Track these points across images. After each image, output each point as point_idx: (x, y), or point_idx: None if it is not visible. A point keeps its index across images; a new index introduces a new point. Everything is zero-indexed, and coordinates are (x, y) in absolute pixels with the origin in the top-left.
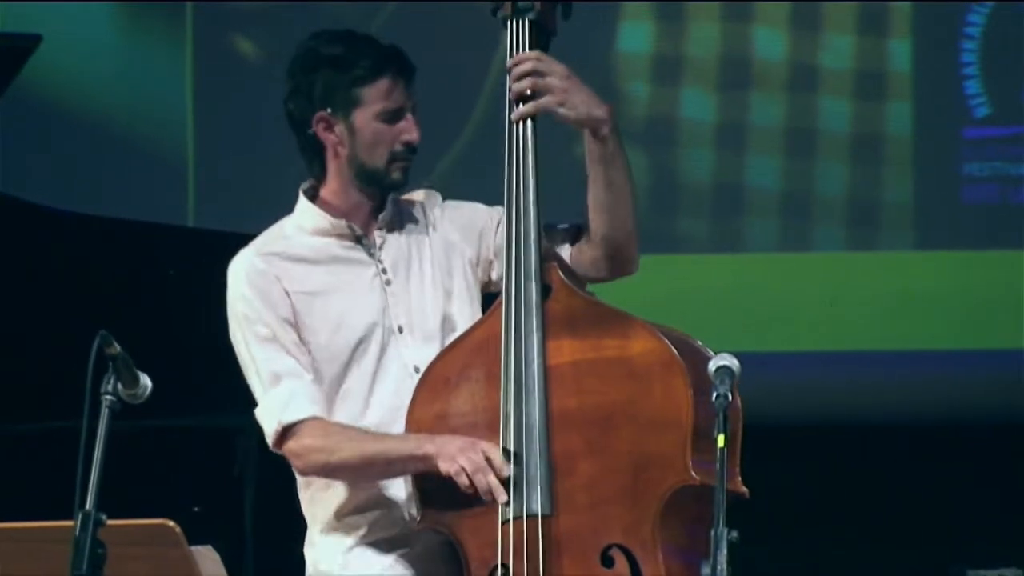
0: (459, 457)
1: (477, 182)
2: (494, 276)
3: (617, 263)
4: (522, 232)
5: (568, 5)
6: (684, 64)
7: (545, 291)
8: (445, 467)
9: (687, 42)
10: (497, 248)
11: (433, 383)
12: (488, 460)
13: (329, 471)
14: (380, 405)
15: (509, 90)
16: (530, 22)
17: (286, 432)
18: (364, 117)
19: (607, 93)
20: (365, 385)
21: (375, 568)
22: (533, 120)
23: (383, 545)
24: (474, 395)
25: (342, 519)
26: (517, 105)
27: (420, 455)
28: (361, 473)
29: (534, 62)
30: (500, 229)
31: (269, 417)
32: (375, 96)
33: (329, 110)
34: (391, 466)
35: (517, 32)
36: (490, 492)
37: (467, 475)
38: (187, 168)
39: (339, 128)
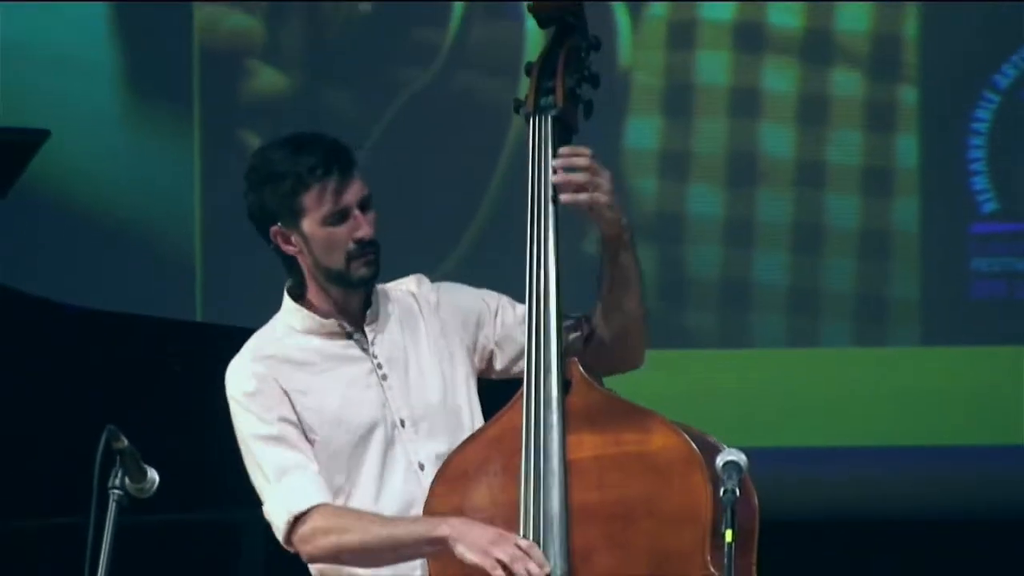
0: (494, 550)
1: (488, 271)
2: (497, 366)
3: (625, 358)
4: (542, 325)
5: (590, 104)
6: (691, 160)
7: (565, 386)
8: (470, 556)
9: (694, 138)
10: (499, 338)
11: (451, 476)
12: (525, 551)
13: (339, 553)
14: (391, 502)
15: (538, 181)
16: (553, 119)
17: (296, 522)
18: (311, 225)
19: (615, 189)
20: (372, 483)
21: None
22: (556, 215)
23: None
24: (492, 489)
25: None
26: (558, 193)
27: (435, 537)
28: (372, 556)
29: (591, 159)
30: (500, 316)
31: (278, 510)
32: (313, 202)
33: (279, 223)
34: (404, 548)
35: (540, 129)
36: None
37: (502, 567)
38: (195, 262)
39: (295, 238)
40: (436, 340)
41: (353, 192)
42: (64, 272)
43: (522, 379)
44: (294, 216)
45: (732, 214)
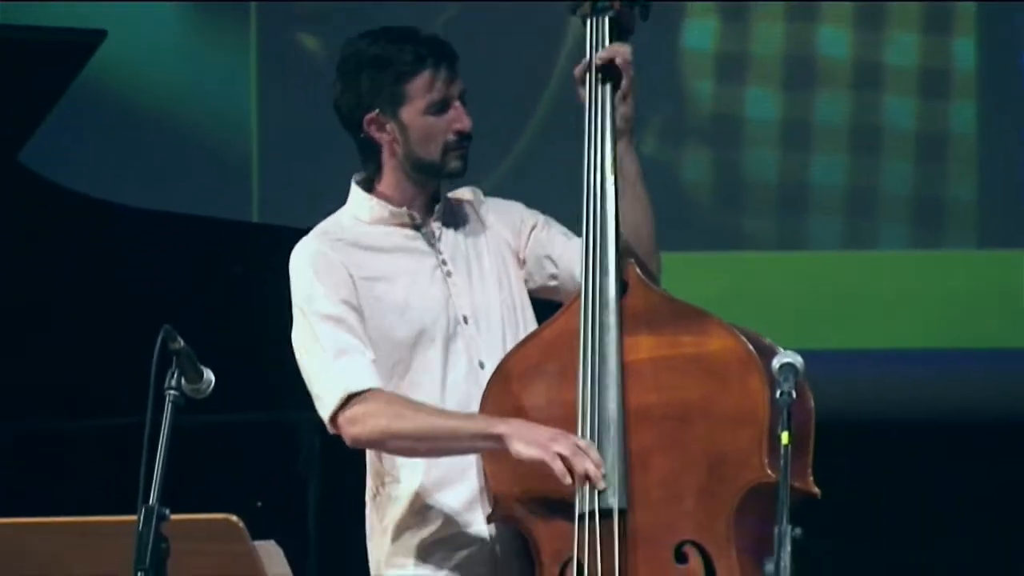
0: (553, 446)
1: (541, 178)
2: (531, 283)
3: (640, 254)
4: (599, 227)
5: (646, 6)
6: (749, 63)
7: (622, 287)
8: (528, 452)
9: (752, 41)
10: (538, 254)
11: (507, 378)
12: (584, 450)
13: (387, 438)
14: (453, 398)
15: (595, 82)
16: (610, 20)
17: (349, 401)
18: (412, 113)
19: (672, 91)
20: (434, 378)
21: (444, 570)
22: (614, 115)
23: (449, 544)
24: (549, 390)
25: (408, 527)
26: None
27: (492, 434)
28: (422, 445)
29: (628, 58)
30: (542, 233)
31: (332, 387)
32: (419, 91)
33: (377, 110)
34: (456, 441)
35: (596, 30)
36: (587, 477)
37: (563, 459)
38: (251, 164)
39: (390, 127)
40: (494, 249)
41: (457, 84)
42: (121, 173)
43: (566, 294)
44: (395, 103)
45: (789, 116)
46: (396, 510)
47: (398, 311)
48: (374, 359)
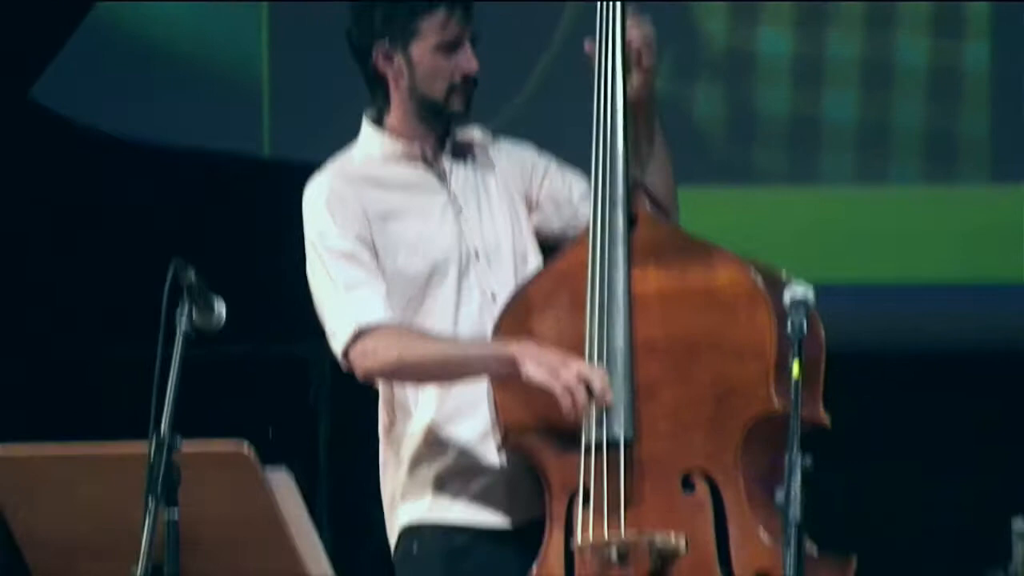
0: (562, 371)
1: (553, 114)
2: (534, 220)
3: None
4: (609, 160)
5: None
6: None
7: (631, 221)
8: (539, 376)
9: None
10: (544, 196)
11: (518, 309)
12: (587, 379)
13: (400, 368)
14: (466, 331)
15: (606, 14)
16: None
17: (360, 335)
18: (421, 50)
19: (685, 27)
20: (448, 313)
21: (460, 501)
22: (625, 61)
23: (464, 475)
24: (559, 321)
25: (423, 460)
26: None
27: (503, 356)
28: (433, 373)
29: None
30: (549, 177)
31: (344, 319)
32: (432, 28)
33: (387, 42)
34: (468, 366)
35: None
36: (586, 412)
37: (570, 392)
38: (262, 98)
39: (398, 60)
40: (502, 185)
41: (469, 27)
42: (132, 107)
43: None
44: (406, 37)
45: (801, 51)
46: (410, 443)
47: (411, 247)
48: (387, 294)
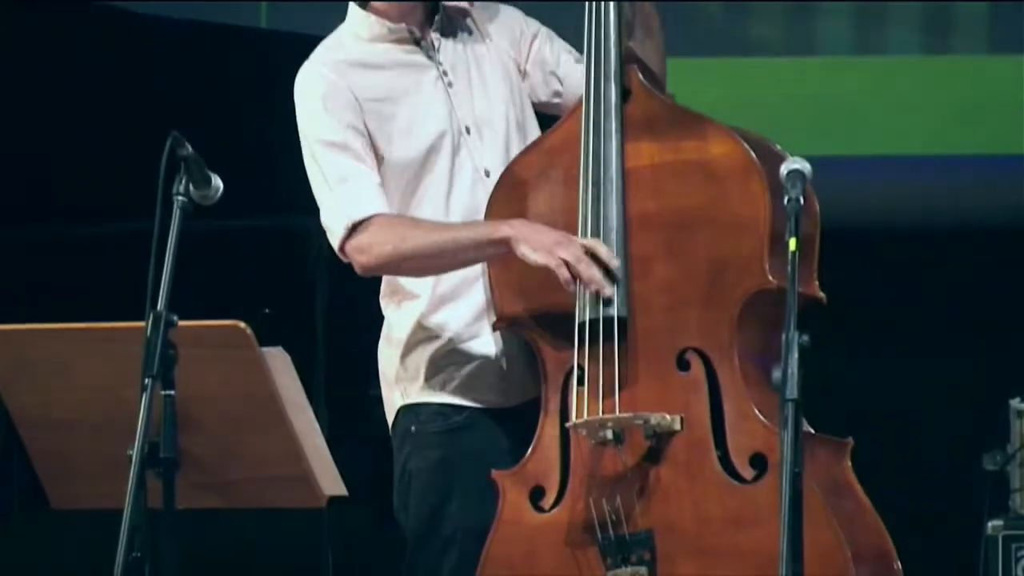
0: (558, 250)
1: None
2: (534, 93)
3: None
4: (602, 32)
5: None
6: None
7: (624, 94)
8: (534, 257)
9: None
10: (535, 61)
11: (511, 185)
12: (592, 253)
13: (398, 261)
14: (458, 209)
15: None
16: None
17: (354, 229)
18: None
19: None
20: (443, 189)
21: (454, 382)
22: None
23: (457, 358)
24: (553, 197)
25: (417, 343)
26: None
27: (497, 238)
28: (433, 262)
29: None
30: (536, 45)
31: (337, 215)
32: None
33: None
34: (465, 251)
35: None
36: (594, 283)
37: (568, 268)
38: None
39: None
40: (494, 55)
41: None
42: None
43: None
44: None
45: None
46: (403, 326)
47: (405, 132)
48: (380, 183)
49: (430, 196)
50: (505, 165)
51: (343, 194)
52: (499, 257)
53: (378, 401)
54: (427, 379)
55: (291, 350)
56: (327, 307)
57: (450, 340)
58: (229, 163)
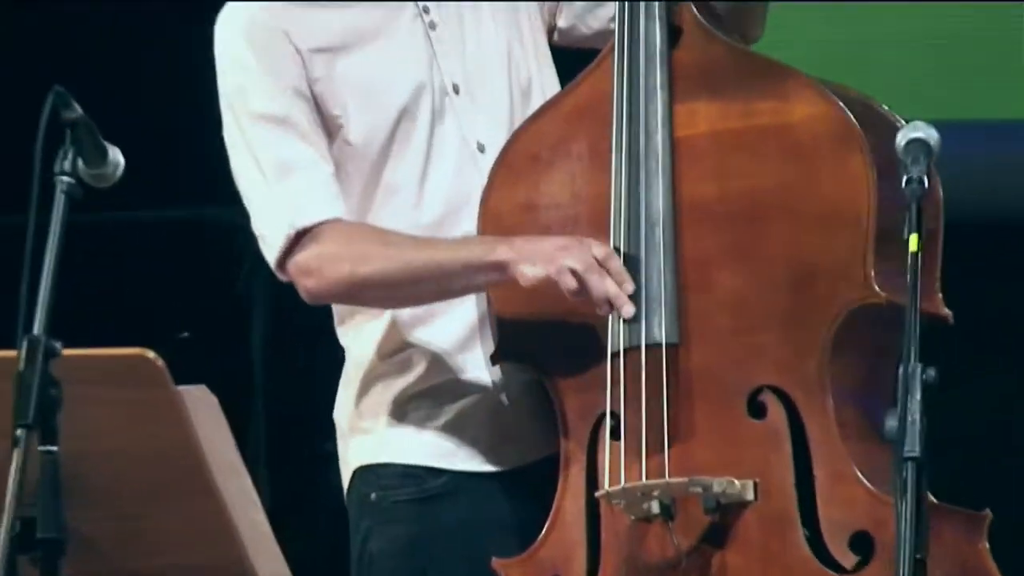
0: (562, 256)
1: None
2: (562, 23)
3: (743, 22)
4: None
5: None
6: None
7: (673, 35)
8: (534, 272)
9: None
10: None
11: (516, 162)
12: (601, 262)
13: (357, 288)
14: (438, 197)
15: None
16: None
17: (298, 240)
18: None
19: None
20: (415, 172)
21: (428, 433)
22: None
23: (436, 396)
24: (574, 179)
25: (380, 376)
26: None
27: (492, 262)
28: (403, 292)
29: None
30: None
31: (274, 220)
32: None
33: None
34: (449, 279)
35: None
36: (607, 300)
37: (576, 276)
38: None
39: None
40: None
41: None
42: None
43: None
44: None
45: None
46: (363, 354)
47: (365, 93)
48: (333, 173)
49: (400, 183)
50: (508, 136)
51: (283, 191)
52: (494, 285)
53: (335, 459)
54: (392, 428)
55: (218, 389)
56: (267, 330)
57: (426, 375)
58: (133, 135)
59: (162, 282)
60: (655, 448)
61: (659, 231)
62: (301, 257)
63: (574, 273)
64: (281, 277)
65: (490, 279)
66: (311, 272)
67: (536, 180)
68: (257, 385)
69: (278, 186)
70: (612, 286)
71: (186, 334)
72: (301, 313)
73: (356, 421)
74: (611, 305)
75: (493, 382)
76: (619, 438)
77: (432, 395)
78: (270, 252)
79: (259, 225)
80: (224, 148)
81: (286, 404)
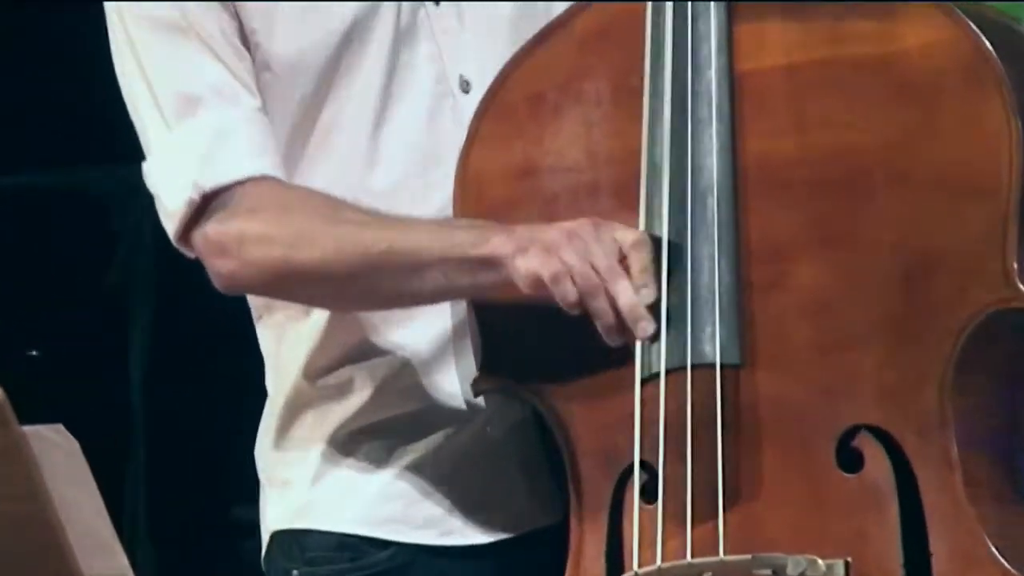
0: (563, 249)
1: None
2: None
3: None
4: None
5: None
6: None
7: None
8: (526, 268)
9: None
10: None
11: (509, 107)
12: (632, 247)
13: (290, 279)
14: (398, 152)
15: None
16: None
17: (207, 206)
18: None
19: None
20: (365, 115)
21: (372, 489)
22: None
23: (392, 432)
24: (591, 131)
25: (309, 403)
26: None
27: (482, 256)
28: (356, 288)
29: None
30: None
31: (174, 178)
32: None
33: None
34: (420, 277)
35: None
36: (616, 315)
37: (574, 281)
38: None
39: None
40: None
41: None
42: None
43: None
44: None
45: None
46: (287, 366)
47: (300, 11)
48: (260, 108)
49: (343, 130)
50: (500, 67)
51: (186, 134)
52: (484, 291)
53: (252, 528)
54: (323, 479)
55: (82, 428)
56: (153, 342)
57: (373, 403)
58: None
59: (7, 272)
60: (705, 513)
61: (713, 205)
62: (214, 229)
63: (572, 277)
64: (185, 252)
65: (477, 281)
66: (227, 251)
67: (538, 132)
68: (137, 423)
69: (179, 127)
70: (628, 295)
71: (35, 352)
72: (207, 311)
73: (276, 468)
74: (621, 326)
75: (471, 417)
76: (655, 499)
77: (381, 433)
78: (168, 221)
79: (155, 180)
80: (97, 95)
81: (181, 450)
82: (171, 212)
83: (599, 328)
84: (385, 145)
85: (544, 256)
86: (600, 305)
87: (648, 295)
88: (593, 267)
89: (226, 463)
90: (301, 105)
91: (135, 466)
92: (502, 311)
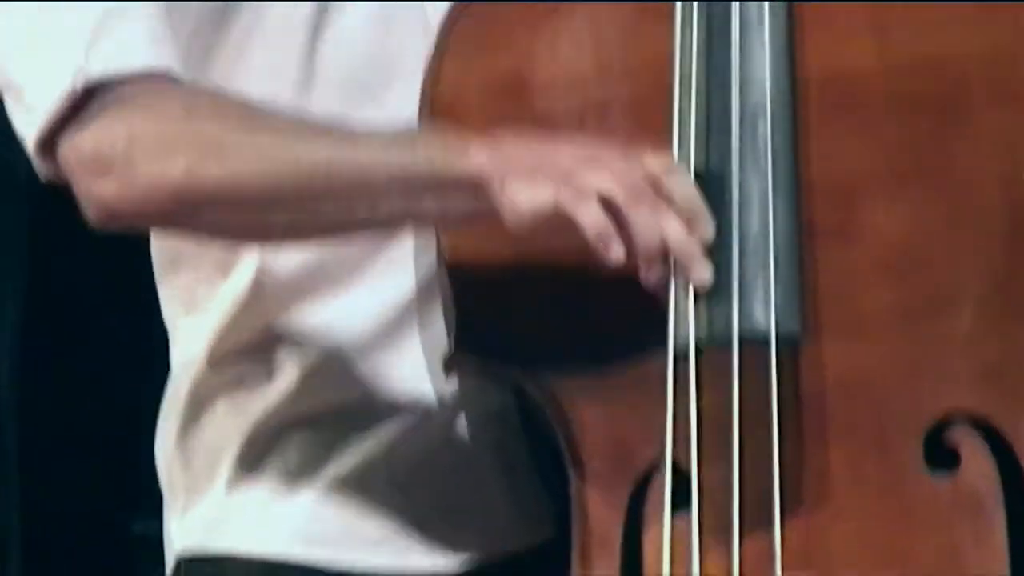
0: (586, 172)
1: None
2: None
3: None
4: None
5: None
6: None
7: None
8: (531, 199)
9: None
10: None
11: (490, 4)
12: (655, 182)
13: (194, 203)
14: (342, 60)
15: None
16: None
17: (87, 105)
18: None
19: None
20: (299, 13)
21: (304, 502)
22: None
23: (338, 427)
24: (600, 34)
25: (218, 392)
26: None
27: (458, 175)
28: (281, 215)
29: None
30: None
31: (47, 60)
32: None
33: None
34: (373, 199)
35: None
36: (665, 254)
37: (611, 208)
38: None
39: None
40: None
41: None
42: None
43: None
44: None
45: None
46: (194, 342)
47: None
48: None
49: (269, 30)
50: None
51: (70, 10)
52: (457, 221)
53: (155, 544)
54: (239, 486)
55: None
56: (25, 308)
57: (306, 388)
58: None
59: None
60: (755, 525)
61: (765, 130)
62: (92, 136)
63: (607, 203)
64: (43, 172)
65: (451, 207)
66: (109, 164)
67: (529, 38)
68: (6, 415)
69: (57, 5)
70: (675, 228)
71: None
72: (97, 273)
73: (181, 471)
74: (672, 265)
75: (439, 406)
76: (687, 507)
77: (316, 427)
78: (27, 121)
79: (13, 68)
80: None
81: (63, 447)
82: (34, 105)
83: (639, 277)
84: (325, 52)
85: (558, 182)
86: (648, 236)
87: (706, 230)
88: (622, 187)
89: (123, 464)
90: (207, 13)
91: (5, 467)
92: (485, 264)
